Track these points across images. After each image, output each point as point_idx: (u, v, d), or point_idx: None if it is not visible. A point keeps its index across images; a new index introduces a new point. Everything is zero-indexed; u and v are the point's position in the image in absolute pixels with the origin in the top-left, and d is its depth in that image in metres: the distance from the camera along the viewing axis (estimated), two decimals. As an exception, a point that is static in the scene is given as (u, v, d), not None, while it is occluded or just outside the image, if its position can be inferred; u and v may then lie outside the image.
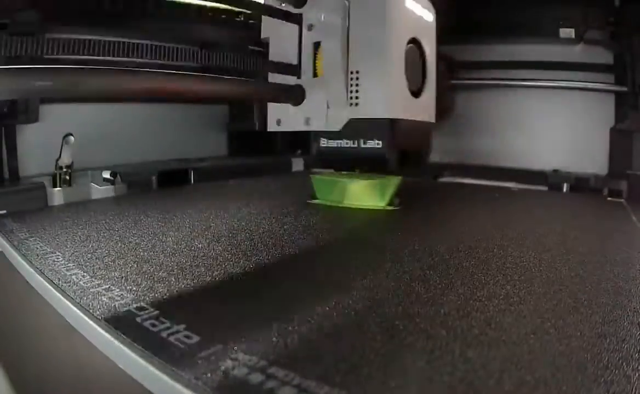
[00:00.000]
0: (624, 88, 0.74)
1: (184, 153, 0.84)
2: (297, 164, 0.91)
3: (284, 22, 0.55)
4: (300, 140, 0.98)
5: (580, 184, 0.76)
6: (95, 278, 0.30)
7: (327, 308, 0.26)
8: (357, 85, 0.53)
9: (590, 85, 0.76)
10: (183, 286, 0.29)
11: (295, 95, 0.55)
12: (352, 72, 0.53)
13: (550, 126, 0.82)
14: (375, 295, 0.28)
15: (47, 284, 0.30)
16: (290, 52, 0.56)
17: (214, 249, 0.37)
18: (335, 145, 0.55)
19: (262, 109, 0.86)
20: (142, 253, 0.36)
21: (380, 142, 0.52)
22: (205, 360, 0.20)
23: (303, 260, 0.36)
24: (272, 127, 0.58)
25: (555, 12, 0.75)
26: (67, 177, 0.59)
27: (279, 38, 0.57)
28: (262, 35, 0.59)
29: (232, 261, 0.34)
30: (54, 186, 0.58)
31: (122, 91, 0.37)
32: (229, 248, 0.38)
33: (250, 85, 0.50)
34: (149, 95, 0.37)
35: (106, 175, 0.62)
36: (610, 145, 0.78)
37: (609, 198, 0.67)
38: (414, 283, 0.30)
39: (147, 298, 0.27)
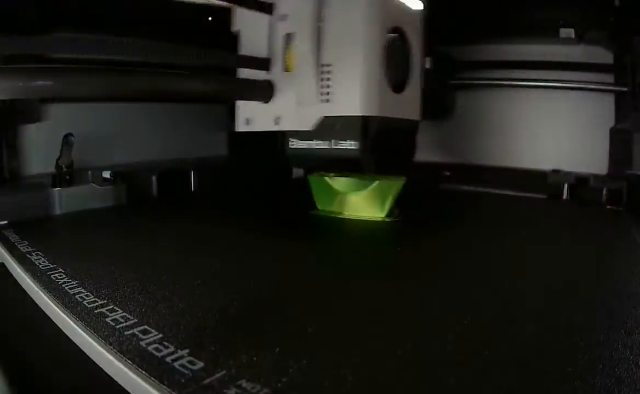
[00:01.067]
0: (624, 89, 0.73)
1: (184, 153, 0.84)
2: (297, 164, 0.91)
3: (257, 13, 0.51)
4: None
5: (580, 184, 0.76)
6: (99, 298, 0.31)
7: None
8: (328, 79, 0.48)
9: (590, 85, 0.76)
10: (185, 307, 0.29)
11: (263, 91, 0.50)
12: (323, 65, 0.48)
13: (550, 126, 0.81)
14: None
15: (52, 304, 0.30)
16: (262, 45, 0.52)
17: (214, 266, 0.37)
18: (306, 147, 0.50)
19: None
20: (144, 270, 0.36)
21: (354, 143, 0.48)
22: (209, 388, 0.20)
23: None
24: (240, 127, 0.55)
25: (555, 12, 0.75)
26: (67, 177, 0.59)
27: (252, 31, 0.53)
28: (233, 28, 0.55)
29: (234, 283, 0.35)
30: (54, 186, 0.58)
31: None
32: (230, 266, 0.38)
33: (212, 81, 0.46)
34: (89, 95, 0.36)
35: (106, 175, 0.62)
36: (610, 145, 0.77)
37: (608, 207, 0.67)
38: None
39: (151, 321, 0.27)
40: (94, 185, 0.61)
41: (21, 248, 0.41)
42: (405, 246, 0.46)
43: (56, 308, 0.30)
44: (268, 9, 0.51)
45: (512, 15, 0.75)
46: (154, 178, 0.67)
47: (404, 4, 0.52)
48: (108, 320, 0.27)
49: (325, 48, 0.48)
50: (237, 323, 0.28)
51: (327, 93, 0.48)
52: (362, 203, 0.54)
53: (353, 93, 0.47)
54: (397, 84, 0.51)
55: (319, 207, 0.57)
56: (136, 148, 0.77)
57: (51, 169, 0.59)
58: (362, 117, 0.47)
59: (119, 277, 0.35)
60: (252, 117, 0.53)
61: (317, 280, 0.36)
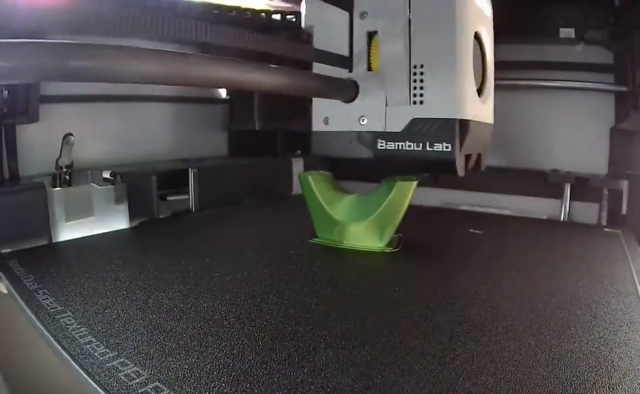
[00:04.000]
0: (624, 88, 0.73)
1: (184, 153, 0.84)
2: (297, 164, 0.91)
3: (331, 7, 0.50)
4: (301, 140, 0.98)
5: (580, 184, 0.76)
6: (110, 349, 0.31)
7: None
8: (421, 81, 0.47)
9: (590, 85, 0.76)
10: (194, 360, 0.30)
11: (348, 91, 0.50)
12: (415, 66, 0.47)
13: (550, 126, 0.82)
14: None
15: (64, 353, 0.30)
16: (338, 42, 0.51)
17: (219, 310, 0.37)
18: (395, 148, 0.49)
19: (262, 108, 0.87)
20: (150, 315, 0.36)
21: (449, 145, 0.47)
22: None
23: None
24: (317, 126, 0.54)
25: (555, 12, 0.75)
26: (67, 177, 0.59)
27: (326, 26, 0.52)
28: (305, 23, 0.54)
29: (238, 326, 0.34)
30: (54, 186, 0.58)
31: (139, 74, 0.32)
32: (234, 309, 0.37)
33: (296, 76, 0.43)
34: (171, 82, 0.33)
35: (106, 175, 0.62)
36: (610, 145, 0.78)
37: (605, 229, 0.66)
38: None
39: (162, 376, 0.28)
40: (94, 185, 0.60)
41: (27, 284, 0.41)
42: (404, 284, 0.45)
43: (71, 360, 0.30)
44: (346, 5, 0.50)
45: (511, 16, 0.75)
46: (154, 178, 0.66)
47: (482, 8, 0.52)
48: (121, 375, 0.28)
49: (415, 48, 0.47)
50: (247, 376, 0.28)
51: (420, 95, 0.48)
52: (362, 234, 0.53)
53: (449, 96, 0.46)
54: (478, 88, 0.51)
55: (319, 235, 0.57)
56: (136, 148, 0.77)
57: (51, 169, 0.59)
58: (459, 120, 0.47)
59: (127, 322, 0.35)
60: (331, 116, 0.52)
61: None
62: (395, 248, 0.53)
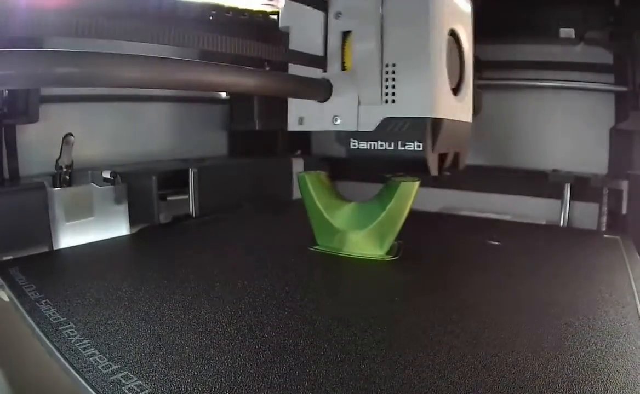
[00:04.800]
0: (624, 88, 0.73)
1: (184, 153, 0.84)
2: (297, 165, 0.91)
3: (307, 8, 0.50)
4: (301, 140, 0.98)
5: (580, 184, 0.76)
6: (113, 362, 0.31)
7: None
8: (393, 79, 0.47)
9: (590, 85, 0.76)
10: (196, 373, 0.30)
11: (322, 90, 0.50)
12: (387, 65, 0.47)
13: (550, 126, 0.82)
14: None
15: (69, 366, 0.30)
16: (314, 42, 0.51)
17: (220, 322, 0.37)
18: (368, 148, 0.50)
19: (262, 108, 0.87)
20: (153, 327, 0.36)
21: (421, 144, 0.47)
22: None
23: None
24: (293, 126, 0.54)
25: (555, 12, 0.75)
26: (67, 177, 0.59)
27: (301, 26, 0.52)
28: (281, 24, 0.54)
29: (239, 339, 0.34)
30: (54, 186, 0.58)
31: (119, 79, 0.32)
32: (235, 321, 0.37)
33: (270, 77, 0.43)
34: (147, 85, 0.33)
35: (106, 175, 0.62)
36: (610, 145, 0.78)
37: (605, 235, 0.66)
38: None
39: (165, 390, 0.28)
40: (94, 185, 0.60)
41: (29, 294, 0.41)
42: (403, 294, 0.45)
43: (75, 374, 0.30)
44: (322, 5, 0.50)
45: (511, 15, 0.75)
46: (154, 178, 0.67)
47: (458, 5, 0.51)
48: (125, 389, 0.28)
49: (388, 47, 0.47)
50: (248, 390, 0.28)
51: (392, 94, 0.48)
52: (362, 242, 0.54)
53: (422, 95, 0.46)
54: (455, 87, 0.51)
55: (319, 242, 0.57)
56: (136, 148, 0.77)
57: (51, 169, 0.59)
58: (431, 118, 0.46)
59: (130, 334, 0.35)
60: (306, 116, 0.53)
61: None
62: (395, 256, 0.53)
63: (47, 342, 0.33)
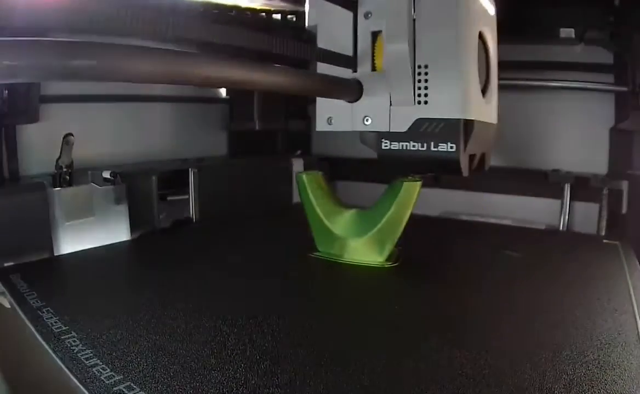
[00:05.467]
0: (624, 88, 0.73)
1: (184, 153, 0.84)
2: (297, 165, 0.91)
3: (335, 7, 0.50)
4: (301, 141, 0.98)
5: (580, 184, 0.77)
6: (116, 372, 0.31)
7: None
8: (426, 81, 0.47)
9: (590, 85, 0.76)
10: (197, 384, 0.30)
11: (352, 91, 0.49)
12: (419, 66, 0.47)
13: (550, 126, 0.82)
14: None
15: (72, 377, 0.31)
16: (342, 42, 0.51)
17: (221, 331, 0.37)
18: (400, 148, 0.49)
19: (262, 108, 0.87)
20: (154, 336, 0.36)
21: (454, 146, 0.47)
22: None
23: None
24: (321, 126, 0.53)
25: (555, 12, 0.75)
26: (67, 177, 0.59)
27: (329, 26, 0.52)
28: (308, 23, 0.54)
29: (240, 348, 0.35)
30: (54, 186, 0.58)
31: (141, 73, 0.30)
32: (235, 331, 0.38)
33: (300, 76, 0.42)
34: (173, 81, 0.31)
35: (106, 175, 0.62)
36: (610, 145, 0.78)
37: (604, 241, 0.65)
38: None
39: None
40: (94, 185, 0.60)
41: (31, 302, 0.41)
42: (402, 303, 0.45)
43: (79, 384, 0.30)
44: (351, 5, 0.50)
45: (511, 16, 0.75)
46: (154, 178, 0.67)
47: (485, 6, 0.51)
48: None
49: (420, 49, 0.47)
50: None
51: (425, 95, 0.47)
52: (361, 248, 0.54)
53: (454, 96, 0.46)
54: (482, 88, 0.51)
55: (319, 249, 0.57)
56: (136, 148, 0.77)
57: (51, 169, 0.59)
58: (464, 120, 0.46)
59: (132, 343, 0.35)
60: (335, 116, 0.52)
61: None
62: (394, 263, 0.54)
63: (50, 351, 0.34)
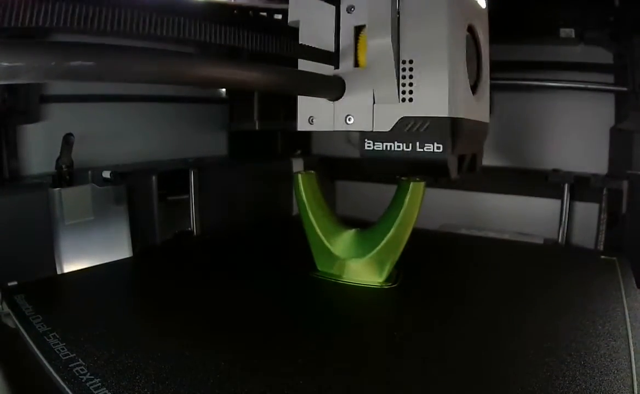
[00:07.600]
0: (624, 89, 0.73)
1: (183, 153, 0.84)
2: (298, 165, 0.91)
3: (318, 1, 0.48)
4: (301, 140, 0.98)
5: (580, 184, 0.76)
6: None
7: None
8: (410, 77, 0.45)
9: (590, 85, 0.76)
10: None
11: (335, 88, 0.47)
12: (404, 62, 0.45)
13: (550, 126, 0.82)
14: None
15: None
16: (325, 38, 0.48)
17: (225, 360, 0.37)
18: (383, 149, 0.47)
19: (262, 108, 0.87)
20: (160, 365, 0.36)
21: (440, 146, 0.44)
22: None
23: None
24: (302, 126, 0.51)
25: (555, 12, 0.75)
26: (68, 177, 0.59)
27: (311, 21, 0.50)
28: (290, 18, 0.51)
29: (243, 378, 0.35)
30: (54, 186, 0.58)
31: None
32: (239, 359, 0.37)
33: (279, 73, 0.40)
34: (153, 80, 0.30)
35: (106, 175, 0.62)
36: (610, 145, 0.78)
37: (602, 257, 0.65)
38: None
39: None
40: (94, 185, 0.60)
41: (37, 326, 0.41)
42: (400, 328, 0.45)
43: None
44: None
45: (510, 15, 0.75)
46: (154, 178, 0.67)
47: (475, 0, 0.50)
48: None
49: (404, 43, 0.45)
50: None
51: (410, 92, 0.45)
52: (361, 269, 0.53)
53: (441, 93, 0.44)
54: (472, 85, 0.49)
55: (319, 268, 0.57)
56: (136, 148, 0.77)
57: (51, 169, 0.59)
58: (451, 118, 0.44)
59: (138, 371, 0.35)
60: (316, 115, 0.50)
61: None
62: (393, 284, 0.53)
63: (59, 380, 0.33)
